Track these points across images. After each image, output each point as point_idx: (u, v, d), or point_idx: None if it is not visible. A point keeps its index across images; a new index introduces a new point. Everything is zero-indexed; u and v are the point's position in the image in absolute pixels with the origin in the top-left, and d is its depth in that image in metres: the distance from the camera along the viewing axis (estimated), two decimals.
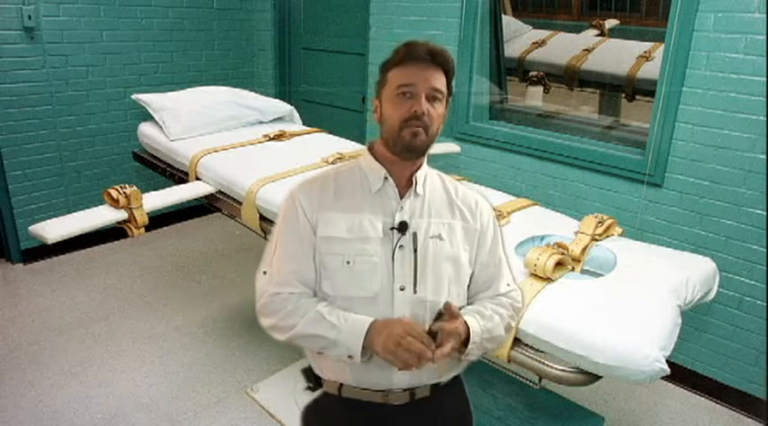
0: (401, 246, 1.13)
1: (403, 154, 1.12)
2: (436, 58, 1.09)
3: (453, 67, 1.13)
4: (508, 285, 1.23)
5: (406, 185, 1.16)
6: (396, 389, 1.16)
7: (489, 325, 1.14)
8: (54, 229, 2.00)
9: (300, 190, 1.18)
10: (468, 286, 1.21)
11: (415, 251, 1.13)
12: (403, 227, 1.13)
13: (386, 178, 1.15)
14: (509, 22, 3.34)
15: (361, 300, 1.12)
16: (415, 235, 1.13)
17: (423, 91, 1.08)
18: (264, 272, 1.17)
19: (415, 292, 1.12)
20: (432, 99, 1.09)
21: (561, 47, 3.29)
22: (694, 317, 2.47)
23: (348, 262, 1.12)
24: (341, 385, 1.19)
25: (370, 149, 1.19)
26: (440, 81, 1.10)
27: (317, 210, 1.15)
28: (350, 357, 1.07)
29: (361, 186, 1.17)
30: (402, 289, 1.12)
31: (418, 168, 1.17)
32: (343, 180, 1.18)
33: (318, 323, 1.08)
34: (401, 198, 1.15)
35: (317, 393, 1.26)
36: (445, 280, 1.15)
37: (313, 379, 1.25)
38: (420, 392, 1.18)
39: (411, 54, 1.09)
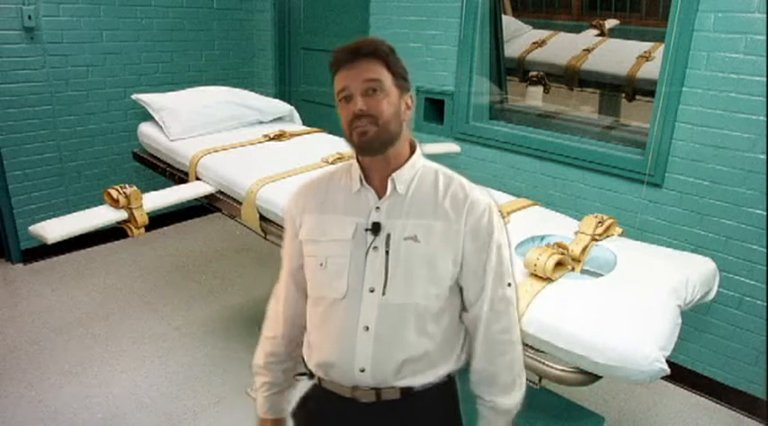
0: (375, 248, 1.12)
1: (361, 153, 1.13)
2: (361, 52, 1.08)
3: (388, 54, 1.11)
4: (509, 285, 1.19)
5: (384, 185, 1.14)
6: (362, 386, 1.15)
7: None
8: (54, 229, 2.00)
9: (292, 197, 1.24)
10: (463, 285, 1.18)
11: (387, 253, 1.11)
12: (376, 229, 1.12)
13: (361, 179, 1.15)
14: (509, 22, 3.34)
15: (332, 301, 1.14)
16: (388, 236, 1.12)
17: (356, 89, 1.07)
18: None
19: (384, 294, 1.11)
20: (370, 92, 1.07)
21: (561, 47, 3.29)
22: (694, 317, 2.47)
23: (321, 264, 1.15)
24: (319, 377, 1.22)
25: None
26: (373, 71, 1.08)
27: (301, 214, 1.20)
28: None
29: (344, 188, 1.18)
30: (372, 291, 1.11)
31: (398, 166, 1.14)
32: (333, 182, 1.20)
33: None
34: (380, 198, 1.14)
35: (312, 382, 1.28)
36: (418, 282, 1.12)
37: (307, 370, 1.26)
38: (388, 393, 1.15)
39: (338, 60, 1.10)
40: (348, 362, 1.13)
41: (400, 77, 1.12)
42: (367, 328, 1.12)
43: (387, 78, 1.09)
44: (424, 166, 1.18)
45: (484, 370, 1.19)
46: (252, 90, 3.28)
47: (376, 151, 1.10)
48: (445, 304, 1.16)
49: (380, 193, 1.14)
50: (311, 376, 1.24)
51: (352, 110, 1.07)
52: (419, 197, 1.14)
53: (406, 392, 1.16)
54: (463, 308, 1.20)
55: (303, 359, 1.26)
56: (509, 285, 1.18)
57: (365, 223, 1.13)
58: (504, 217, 1.94)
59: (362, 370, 1.13)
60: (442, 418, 1.23)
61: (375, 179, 1.15)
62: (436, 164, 1.22)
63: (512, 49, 3.37)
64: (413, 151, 1.18)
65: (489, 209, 1.16)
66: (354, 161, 1.17)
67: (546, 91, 3.37)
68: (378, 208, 1.13)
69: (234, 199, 2.35)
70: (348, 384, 1.16)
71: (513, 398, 1.20)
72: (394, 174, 1.13)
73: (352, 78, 1.08)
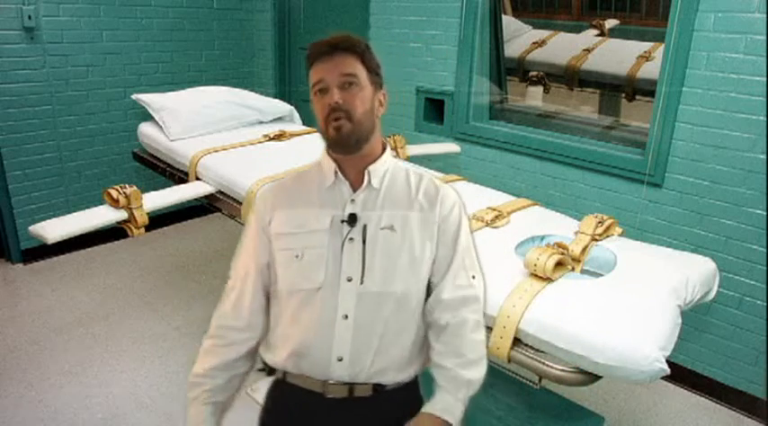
0: (351, 239, 1.14)
1: (337, 149, 1.14)
2: (339, 46, 1.10)
3: (364, 50, 1.13)
4: (473, 277, 1.22)
5: (360, 179, 1.17)
6: (335, 381, 1.16)
7: (460, 382, 1.17)
8: (54, 229, 2.00)
9: (260, 195, 1.25)
10: (431, 276, 1.20)
11: (364, 242, 1.13)
12: (352, 219, 1.14)
13: (336, 173, 1.16)
14: (509, 22, 3.34)
15: (309, 292, 1.15)
16: (365, 227, 1.14)
17: (333, 82, 1.09)
18: (230, 277, 1.25)
19: (362, 283, 1.13)
20: (346, 86, 1.09)
21: (561, 47, 3.29)
22: (694, 317, 2.47)
23: (297, 256, 1.16)
24: (285, 372, 1.21)
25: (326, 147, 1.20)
26: (350, 65, 1.10)
27: (271, 211, 1.20)
28: None
29: (316, 183, 1.20)
30: (349, 280, 1.13)
31: (372, 161, 1.17)
32: (302, 178, 1.23)
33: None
34: (354, 191, 1.16)
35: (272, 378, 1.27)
36: (396, 272, 1.15)
37: (265, 365, 1.26)
38: (360, 390, 1.17)
39: (315, 53, 1.12)
40: (326, 350, 1.14)
41: (375, 73, 1.14)
42: (346, 316, 1.13)
43: (362, 73, 1.11)
44: (394, 163, 1.22)
45: (451, 343, 1.19)
46: (252, 90, 3.28)
47: (351, 148, 1.13)
48: (421, 295, 1.19)
49: (355, 187, 1.17)
50: (270, 372, 1.25)
51: (329, 102, 1.09)
52: (393, 191, 1.18)
53: (378, 389, 1.17)
54: (428, 298, 1.22)
55: (261, 357, 1.26)
56: (473, 277, 1.23)
57: (341, 215, 1.15)
58: (504, 217, 1.96)
59: (340, 359, 1.14)
60: (412, 415, 1.24)
61: (349, 173, 1.17)
62: (404, 164, 1.25)
63: (512, 49, 3.37)
64: (383, 149, 1.21)
65: (458, 204, 1.23)
66: (325, 157, 1.19)
67: (546, 91, 3.37)
68: (353, 200, 1.16)
69: (234, 199, 2.35)
70: (320, 376, 1.16)
71: (477, 372, 1.20)
72: (370, 168, 1.16)
73: (329, 71, 1.09)
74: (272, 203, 1.21)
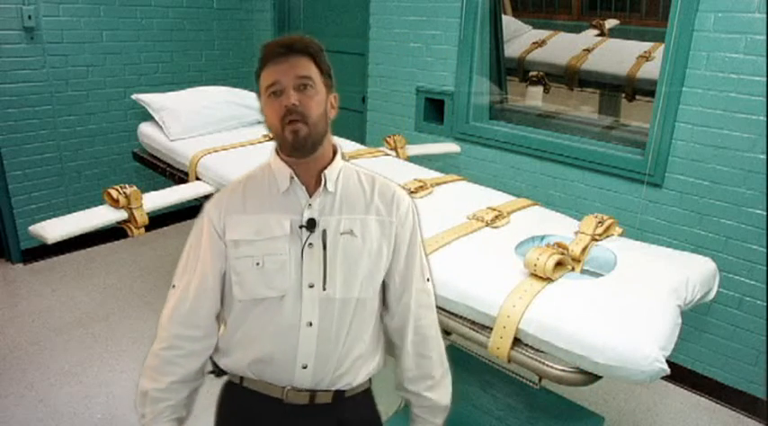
0: (310, 244, 1.12)
1: (294, 154, 1.11)
2: (294, 48, 1.08)
3: (318, 52, 1.11)
4: (428, 280, 1.24)
5: (315, 183, 1.14)
6: (297, 387, 1.16)
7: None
8: (54, 229, 2.00)
9: (210, 202, 1.20)
10: (389, 281, 1.21)
11: (324, 248, 1.12)
12: (311, 225, 1.12)
13: (292, 177, 1.13)
14: (509, 22, 3.34)
15: (271, 300, 1.13)
16: (324, 232, 1.12)
17: (288, 83, 1.06)
18: (174, 286, 1.21)
19: (324, 289, 1.12)
20: (301, 88, 1.07)
21: (561, 47, 3.29)
22: (694, 317, 2.47)
23: (258, 263, 1.12)
24: (242, 377, 1.20)
25: (278, 151, 1.17)
26: (305, 68, 1.08)
27: (224, 216, 1.15)
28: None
29: (269, 187, 1.16)
30: (311, 286, 1.12)
31: (326, 165, 1.15)
32: (254, 183, 1.18)
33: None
34: (310, 196, 1.14)
35: (223, 379, 1.26)
36: (357, 276, 1.14)
37: (216, 367, 1.25)
38: (321, 397, 1.17)
39: (269, 54, 1.08)
40: (290, 358, 1.13)
41: (327, 76, 1.13)
42: (310, 324, 1.13)
43: (317, 75, 1.10)
44: (345, 166, 1.19)
45: (418, 366, 1.23)
46: (252, 90, 3.27)
47: (308, 151, 1.10)
48: (378, 298, 1.20)
49: (310, 191, 1.14)
50: (219, 374, 1.24)
51: (285, 104, 1.06)
52: (348, 194, 1.16)
53: (338, 396, 1.18)
54: (385, 308, 1.24)
55: (212, 360, 1.24)
56: (428, 280, 1.24)
57: (299, 220, 1.13)
58: (504, 217, 1.96)
59: (305, 367, 1.14)
60: (369, 420, 1.28)
61: (304, 177, 1.14)
62: (352, 165, 1.23)
63: (512, 49, 3.37)
64: (334, 151, 1.19)
65: (411, 206, 1.22)
66: (277, 161, 1.15)
67: (546, 91, 3.37)
68: (310, 204, 1.13)
69: None
70: (282, 383, 1.16)
71: (447, 395, 1.27)
72: (325, 171, 1.14)
73: (285, 73, 1.07)
74: (226, 209, 1.16)
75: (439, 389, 1.25)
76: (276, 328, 1.13)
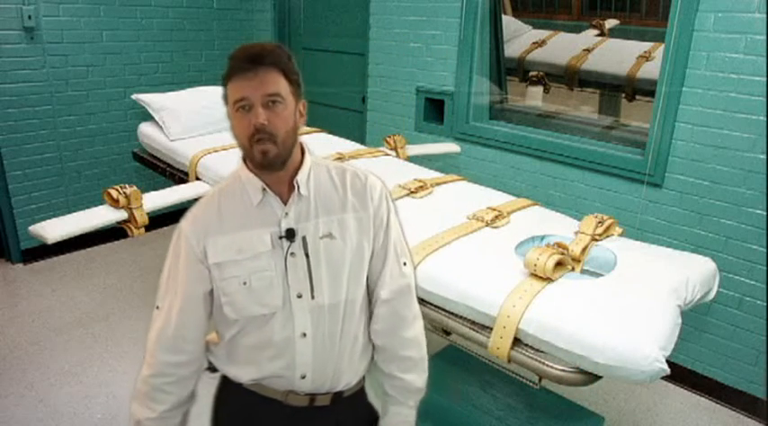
0: (292, 254, 1.10)
1: (263, 170, 1.09)
2: (263, 61, 1.03)
3: (287, 62, 1.06)
4: (405, 264, 1.22)
5: (287, 190, 1.12)
6: (297, 391, 1.16)
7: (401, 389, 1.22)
8: (54, 229, 2.00)
9: (186, 222, 1.16)
10: (369, 273, 1.20)
11: (307, 255, 1.10)
12: (290, 234, 1.10)
13: (264, 189, 1.11)
14: (509, 22, 3.34)
15: (264, 317, 1.11)
16: (304, 239, 1.10)
17: (256, 101, 1.02)
18: (158, 307, 1.17)
19: (312, 297, 1.11)
20: (270, 104, 1.03)
21: (561, 47, 3.29)
22: (694, 317, 2.47)
23: (245, 283, 1.10)
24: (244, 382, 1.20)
25: (245, 160, 1.13)
26: (274, 84, 1.04)
27: (204, 238, 1.12)
28: None
29: (243, 201, 1.12)
30: (299, 297, 1.11)
31: (297, 170, 1.12)
32: (227, 198, 1.14)
33: None
34: (285, 204, 1.11)
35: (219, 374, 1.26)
36: (343, 279, 1.13)
37: (212, 365, 1.25)
38: (320, 399, 1.18)
39: (236, 66, 1.04)
40: (289, 372, 1.14)
41: (296, 84, 1.09)
42: (304, 334, 1.12)
43: (286, 89, 1.06)
44: (313, 163, 1.17)
45: (392, 346, 1.22)
46: None
47: (277, 168, 1.08)
48: (364, 296, 1.19)
49: (284, 199, 1.12)
50: (215, 370, 1.24)
51: (253, 122, 1.03)
52: (321, 195, 1.14)
53: (336, 398, 1.19)
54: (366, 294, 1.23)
55: (207, 358, 1.23)
56: (405, 264, 1.22)
57: (278, 231, 1.10)
58: (504, 217, 1.96)
59: (303, 377, 1.14)
60: (366, 419, 1.29)
61: (275, 187, 1.12)
62: (318, 157, 1.20)
63: (512, 49, 3.37)
64: (302, 151, 1.16)
65: (384, 191, 1.20)
66: (247, 173, 1.12)
67: (546, 91, 3.37)
68: (287, 214, 1.11)
69: None
70: (283, 389, 1.17)
71: (423, 378, 1.25)
72: (297, 178, 1.12)
73: (254, 89, 1.02)
74: (204, 231, 1.12)
75: (415, 371, 1.24)
76: (272, 344, 1.13)
